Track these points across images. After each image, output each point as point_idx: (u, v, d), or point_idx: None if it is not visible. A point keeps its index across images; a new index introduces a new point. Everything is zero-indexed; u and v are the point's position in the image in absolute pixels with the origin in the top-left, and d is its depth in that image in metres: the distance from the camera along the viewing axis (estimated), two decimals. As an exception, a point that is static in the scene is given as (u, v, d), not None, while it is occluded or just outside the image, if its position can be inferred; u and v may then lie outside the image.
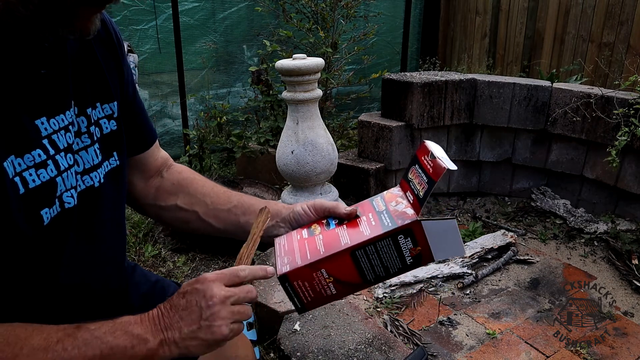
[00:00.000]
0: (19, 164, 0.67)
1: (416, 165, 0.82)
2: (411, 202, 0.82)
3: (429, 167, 0.78)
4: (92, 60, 0.83)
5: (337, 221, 0.87)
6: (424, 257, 0.78)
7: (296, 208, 0.93)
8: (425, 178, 0.78)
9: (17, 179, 0.67)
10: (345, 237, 0.80)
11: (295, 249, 0.83)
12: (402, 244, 0.77)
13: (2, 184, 0.65)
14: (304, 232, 0.88)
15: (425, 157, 0.80)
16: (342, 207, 0.87)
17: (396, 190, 0.88)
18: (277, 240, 0.89)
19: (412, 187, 0.82)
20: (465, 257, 2.24)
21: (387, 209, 0.83)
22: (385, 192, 0.89)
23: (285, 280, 0.79)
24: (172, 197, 1.00)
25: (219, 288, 0.71)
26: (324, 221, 0.89)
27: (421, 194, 0.79)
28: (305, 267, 0.78)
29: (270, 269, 0.78)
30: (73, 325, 0.69)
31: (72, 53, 0.78)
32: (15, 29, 0.65)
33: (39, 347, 0.65)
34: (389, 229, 0.77)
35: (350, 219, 0.85)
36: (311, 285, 0.79)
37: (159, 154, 1.04)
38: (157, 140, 1.04)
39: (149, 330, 0.70)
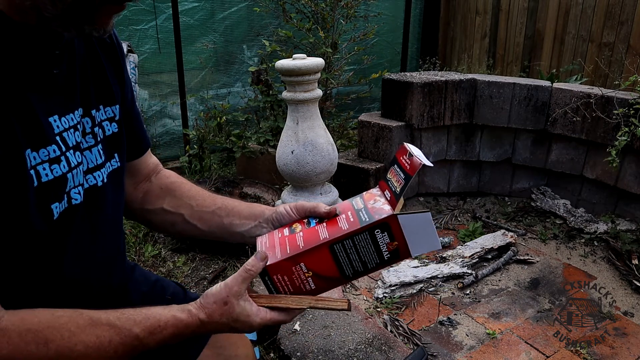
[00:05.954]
0: (34, 158, 0.69)
1: (395, 166, 0.87)
2: (388, 199, 0.86)
3: (406, 164, 0.83)
4: (97, 64, 0.85)
5: (317, 220, 0.90)
6: (401, 252, 0.81)
7: (279, 209, 0.97)
8: (402, 175, 0.83)
9: (32, 172, 0.68)
10: (325, 233, 0.83)
11: (276, 245, 0.86)
12: (379, 238, 0.80)
13: (23, 174, 0.67)
14: (286, 230, 0.91)
15: (404, 156, 0.85)
16: (322, 207, 0.91)
17: (375, 190, 0.93)
18: (259, 239, 0.92)
19: (390, 185, 0.87)
20: (465, 257, 2.24)
21: (366, 207, 0.87)
22: (364, 193, 0.94)
23: (265, 274, 0.82)
24: (159, 200, 1.02)
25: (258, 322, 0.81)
26: (305, 220, 0.92)
27: (398, 190, 0.83)
28: (285, 260, 0.81)
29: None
30: (121, 327, 0.74)
31: (79, 55, 0.80)
32: (38, 27, 0.67)
33: (92, 345, 0.71)
34: (366, 223, 0.80)
35: (330, 218, 0.89)
36: (290, 280, 0.82)
37: (150, 160, 1.06)
38: (149, 147, 1.06)
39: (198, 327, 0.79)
